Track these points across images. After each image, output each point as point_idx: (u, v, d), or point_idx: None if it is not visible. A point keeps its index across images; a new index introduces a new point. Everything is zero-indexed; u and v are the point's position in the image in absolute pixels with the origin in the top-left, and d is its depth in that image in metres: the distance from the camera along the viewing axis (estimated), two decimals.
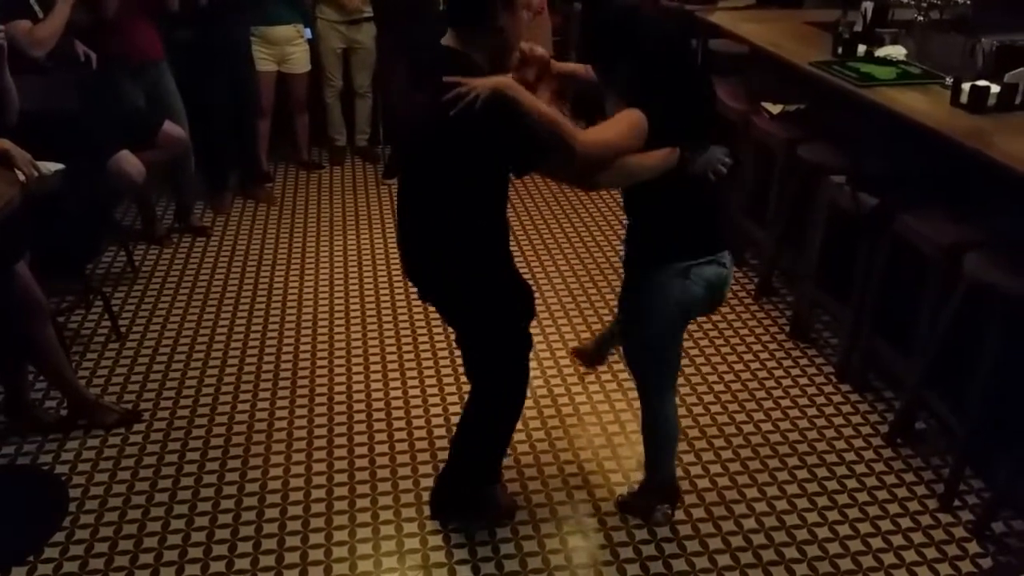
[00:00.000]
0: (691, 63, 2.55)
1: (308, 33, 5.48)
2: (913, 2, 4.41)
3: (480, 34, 2.30)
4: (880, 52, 3.94)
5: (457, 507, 2.90)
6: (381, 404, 3.47)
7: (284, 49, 5.35)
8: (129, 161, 3.91)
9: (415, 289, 2.74)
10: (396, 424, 3.36)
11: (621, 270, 2.74)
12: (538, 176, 5.24)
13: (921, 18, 4.38)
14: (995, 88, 3.27)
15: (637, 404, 2.83)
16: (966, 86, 3.29)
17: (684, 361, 3.71)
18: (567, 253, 4.74)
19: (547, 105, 2.30)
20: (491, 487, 2.91)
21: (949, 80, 3.48)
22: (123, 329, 3.98)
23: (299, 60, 5.46)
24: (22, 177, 2.86)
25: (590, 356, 3.16)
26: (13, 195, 2.65)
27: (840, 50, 4.00)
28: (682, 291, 2.47)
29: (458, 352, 2.82)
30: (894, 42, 4.10)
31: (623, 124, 2.31)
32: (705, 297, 2.52)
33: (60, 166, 3.26)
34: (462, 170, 2.32)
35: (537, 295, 2.93)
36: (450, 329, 3.52)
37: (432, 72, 2.27)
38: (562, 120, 2.24)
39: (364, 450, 3.22)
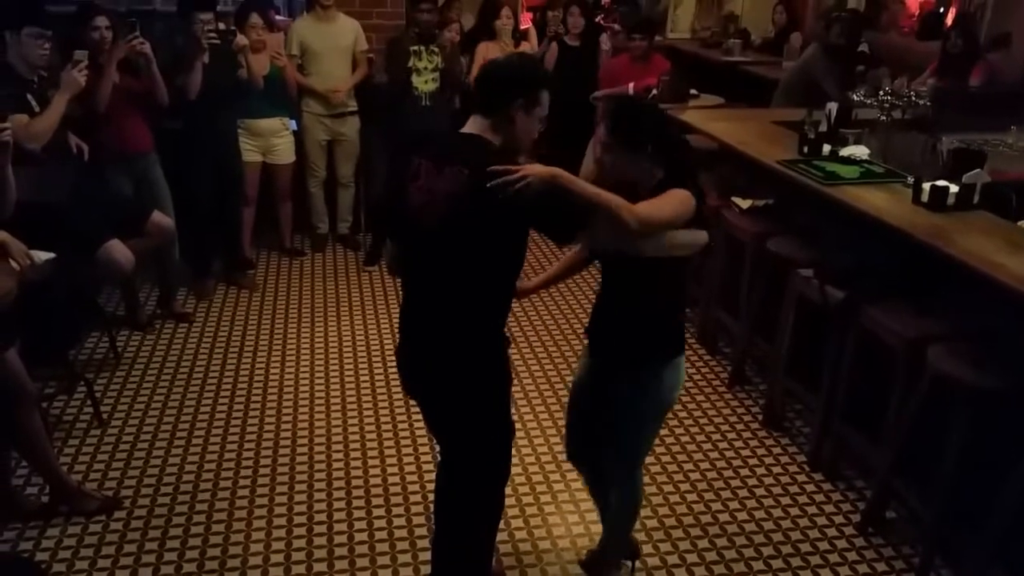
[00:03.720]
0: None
1: (293, 125, 5.65)
2: (876, 103, 4.62)
3: (497, 125, 2.38)
4: (844, 151, 4.11)
5: None
6: (361, 492, 3.50)
7: (269, 140, 5.50)
8: (119, 250, 4.00)
9: (397, 379, 2.74)
10: (376, 512, 3.38)
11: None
12: None
13: (884, 118, 4.58)
14: (954, 188, 3.44)
15: None
16: (926, 186, 3.45)
17: (660, 449, 3.79)
18: (537, 341, 4.84)
19: (598, 188, 2.34)
20: None
21: (911, 179, 3.64)
22: (105, 415, 4.00)
23: (284, 151, 5.61)
24: (17, 267, 2.93)
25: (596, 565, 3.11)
26: (11, 287, 2.72)
27: (806, 149, 4.17)
28: (677, 380, 2.67)
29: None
30: (857, 142, 4.29)
31: (676, 200, 2.40)
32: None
33: (51, 255, 3.33)
34: (494, 249, 2.35)
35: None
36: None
37: (454, 157, 2.35)
38: (616, 200, 2.31)
39: (343, 539, 3.23)
